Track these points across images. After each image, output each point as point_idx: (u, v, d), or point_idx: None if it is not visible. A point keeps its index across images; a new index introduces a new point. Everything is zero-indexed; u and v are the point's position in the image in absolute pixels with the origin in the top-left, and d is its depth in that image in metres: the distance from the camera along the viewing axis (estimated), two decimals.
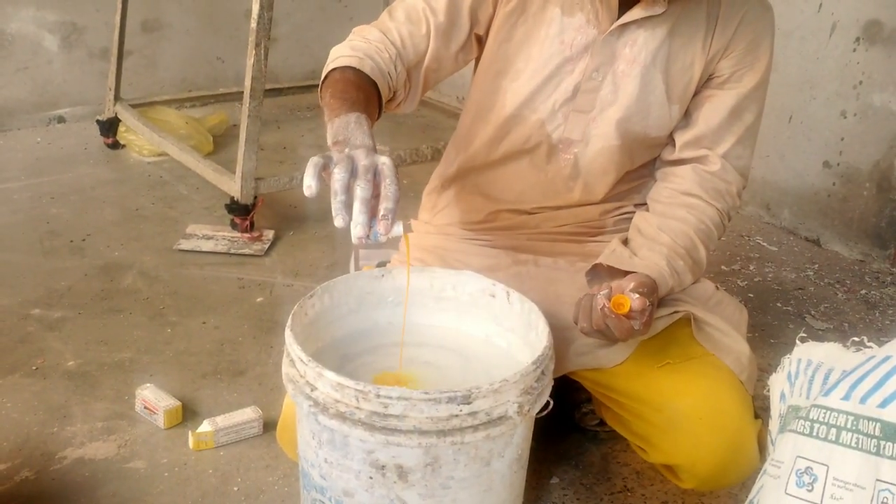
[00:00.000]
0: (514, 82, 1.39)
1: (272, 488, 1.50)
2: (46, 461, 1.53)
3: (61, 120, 3.41)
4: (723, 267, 2.52)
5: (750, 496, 1.11)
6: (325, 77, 1.27)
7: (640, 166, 1.47)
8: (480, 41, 1.42)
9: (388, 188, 1.03)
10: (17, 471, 1.50)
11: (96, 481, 1.49)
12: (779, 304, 2.33)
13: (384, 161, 1.05)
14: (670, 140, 1.43)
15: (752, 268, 2.53)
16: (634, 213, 1.47)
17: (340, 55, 1.29)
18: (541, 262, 1.49)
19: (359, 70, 1.26)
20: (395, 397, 1.08)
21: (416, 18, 1.36)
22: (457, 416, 1.09)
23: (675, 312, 1.35)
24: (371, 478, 1.14)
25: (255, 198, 2.43)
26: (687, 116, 1.40)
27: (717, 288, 1.47)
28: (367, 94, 1.23)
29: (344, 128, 1.12)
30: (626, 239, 1.41)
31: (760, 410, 1.77)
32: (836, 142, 2.59)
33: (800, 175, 2.70)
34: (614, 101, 1.36)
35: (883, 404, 0.89)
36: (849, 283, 2.47)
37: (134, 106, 3.06)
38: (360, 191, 1.03)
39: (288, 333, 1.20)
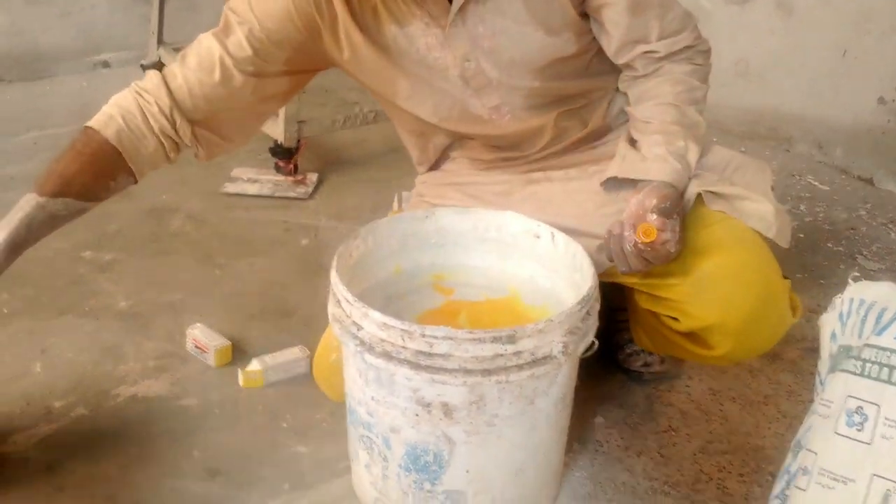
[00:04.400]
0: (409, 101, 1.39)
1: (320, 425, 1.53)
2: (101, 399, 1.57)
3: (106, 65, 3.43)
4: None
5: (797, 436, 1.10)
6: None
7: (590, 60, 1.41)
8: (299, 80, 1.42)
9: None
10: (73, 408, 1.54)
11: (150, 418, 1.53)
12: (829, 245, 2.28)
13: None
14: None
15: (802, 207, 2.48)
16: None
17: (99, 114, 1.30)
18: (553, 177, 1.47)
19: (102, 135, 1.27)
20: (441, 337, 1.09)
21: (208, 66, 1.31)
22: (502, 355, 1.10)
23: (688, 202, 1.32)
24: (417, 415, 1.16)
25: (299, 141, 2.43)
26: (599, 28, 1.35)
27: (742, 151, 1.45)
28: (80, 169, 1.26)
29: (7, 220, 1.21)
30: (631, 137, 1.39)
31: (810, 351, 1.77)
32: (891, 77, 2.50)
33: (853, 112, 2.62)
34: (504, 65, 1.33)
35: None
36: None
37: (177, 50, 3.06)
38: None
39: (333, 274, 1.21)
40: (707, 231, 1.31)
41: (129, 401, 1.57)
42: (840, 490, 0.92)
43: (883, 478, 0.89)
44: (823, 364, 1.12)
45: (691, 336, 1.35)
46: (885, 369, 0.92)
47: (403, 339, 1.10)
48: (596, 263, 1.26)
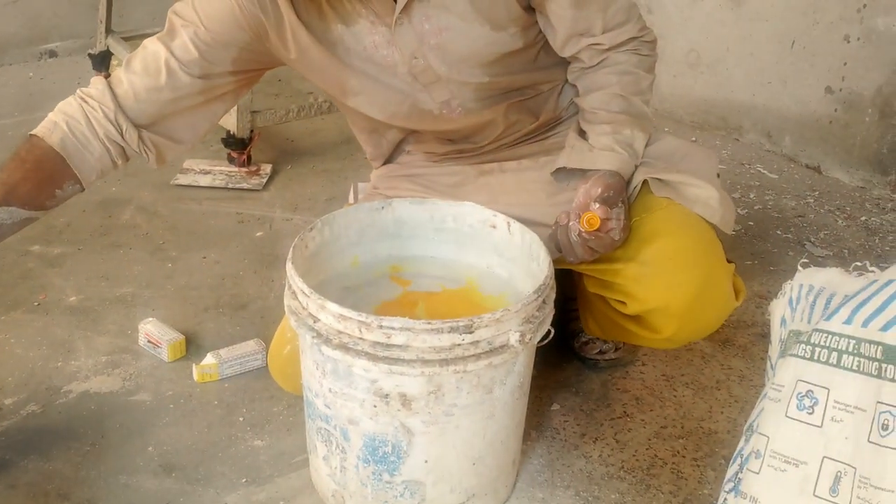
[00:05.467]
0: (358, 97, 1.39)
1: (277, 418, 1.52)
2: (52, 395, 1.54)
3: (53, 54, 3.35)
4: None
5: (749, 419, 1.12)
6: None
7: (538, 54, 1.41)
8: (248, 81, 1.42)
9: None
10: (24, 405, 1.51)
11: (102, 414, 1.51)
12: (779, 232, 2.32)
13: None
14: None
15: (752, 196, 2.52)
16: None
17: (44, 121, 1.31)
18: (505, 168, 1.49)
19: (47, 142, 1.28)
20: (398, 328, 1.09)
21: (154, 69, 1.31)
22: (459, 345, 1.10)
23: (634, 189, 1.35)
24: (375, 406, 1.15)
25: (252, 131, 2.40)
26: (545, 22, 1.36)
27: (693, 140, 1.47)
28: (23, 177, 1.26)
29: None
30: (580, 128, 1.40)
31: (760, 336, 1.80)
32: (838, 67, 2.55)
33: (801, 101, 2.67)
34: (452, 62, 1.34)
35: (885, 328, 0.89)
36: (849, 209, 2.46)
37: (126, 39, 3.00)
38: None
39: (289, 266, 1.20)
40: (652, 217, 1.33)
41: (80, 397, 1.55)
42: (792, 472, 0.94)
43: (833, 460, 0.91)
44: (774, 349, 1.14)
45: (638, 319, 1.37)
46: (835, 353, 0.94)
47: (361, 331, 1.10)
48: (550, 250, 1.27)
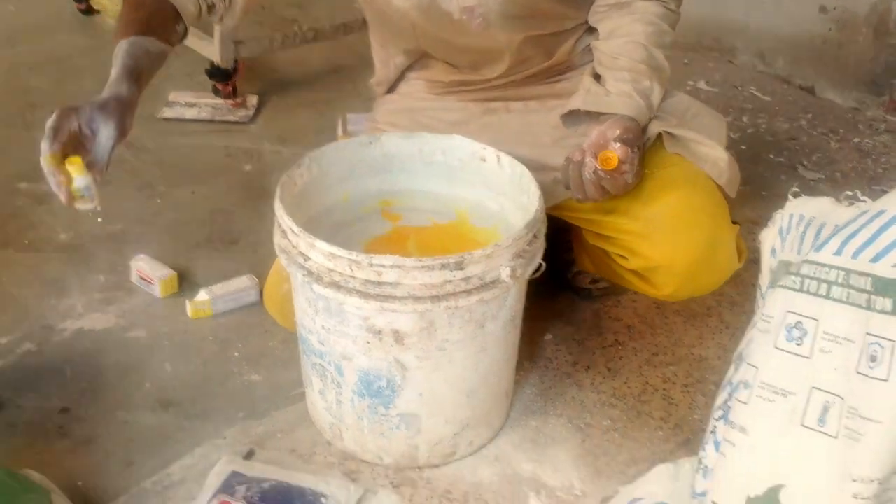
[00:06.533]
0: None
1: (272, 353, 1.53)
2: (47, 333, 1.55)
3: None
4: None
5: (739, 348, 1.13)
6: None
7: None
8: None
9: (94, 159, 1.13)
10: (20, 344, 1.52)
11: (98, 351, 1.52)
12: (771, 156, 2.31)
13: (105, 135, 1.13)
14: None
15: (745, 119, 2.50)
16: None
17: None
18: (512, 108, 1.47)
19: None
20: (389, 265, 1.09)
21: None
22: (450, 281, 1.10)
23: (647, 140, 1.34)
24: (368, 342, 1.16)
25: (236, 62, 2.36)
26: None
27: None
28: (149, 14, 1.25)
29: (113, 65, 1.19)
30: (595, 73, 1.38)
31: (751, 262, 1.81)
32: None
33: (795, 21, 2.62)
34: None
35: (875, 259, 0.89)
36: (842, 131, 2.45)
37: None
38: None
39: (277, 204, 1.19)
40: (661, 173, 1.32)
41: (76, 335, 1.55)
42: (780, 402, 0.95)
43: (822, 390, 0.92)
44: (764, 278, 1.15)
45: (638, 273, 1.38)
46: (824, 285, 0.94)
47: (352, 269, 1.10)
48: (551, 196, 1.27)
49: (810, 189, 2.15)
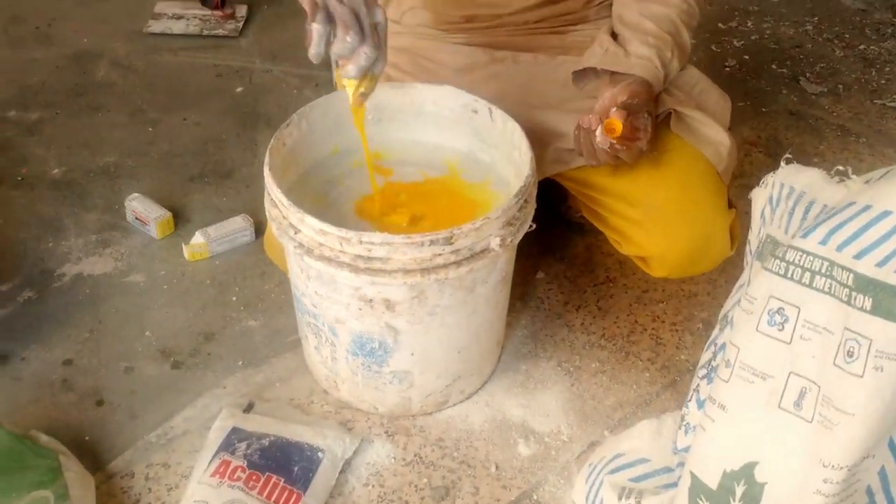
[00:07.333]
0: None
1: (269, 296, 1.55)
2: (46, 279, 1.56)
3: None
4: (719, 24, 2.42)
5: (724, 308, 1.14)
6: None
7: None
8: None
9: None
10: (20, 291, 1.53)
11: (97, 297, 1.53)
12: (774, 66, 2.26)
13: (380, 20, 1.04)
14: None
15: (749, 24, 2.43)
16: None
17: None
18: (519, 59, 1.43)
19: None
20: (378, 242, 1.09)
21: None
22: (440, 254, 1.11)
23: (660, 115, 1.33)
24: (360, 309, 1.18)
25: None
26: None
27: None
28: None
29: None
30: (612, 31, 1.35)
31: (745, 189, 1.80)
32: None
33: None
34: None
35: (858, 256, 0.90)
36: (848, 37, 2.39)
37: None
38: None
39: (266, 173, 1.18)
40: (662, 157, 1.31)
41: (74, 280, 1.57)
42: (759, 384, 0.98)
43: (799, 376, 0.95)
44: (754, 236, 1.15)
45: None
46: (808, 274, 0.94)
47: (341, 245, 1.10)
48: (563, 163, 1.30)
49: (811, 103, 2.12)
